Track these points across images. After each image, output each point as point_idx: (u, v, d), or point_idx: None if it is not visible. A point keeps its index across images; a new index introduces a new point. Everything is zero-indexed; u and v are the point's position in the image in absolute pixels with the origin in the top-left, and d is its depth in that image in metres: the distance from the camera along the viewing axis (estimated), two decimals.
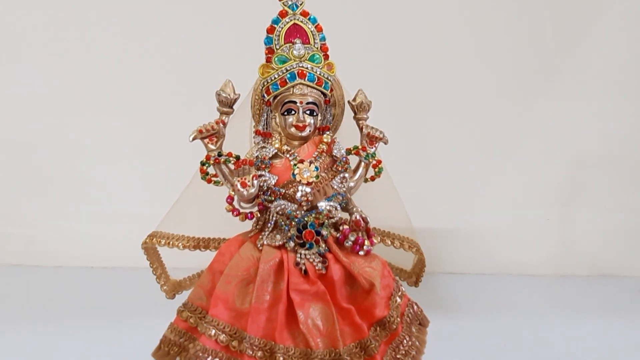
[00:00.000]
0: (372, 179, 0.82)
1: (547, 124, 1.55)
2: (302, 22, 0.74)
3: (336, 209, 0.75)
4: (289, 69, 0.74)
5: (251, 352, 0.66)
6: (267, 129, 0.78)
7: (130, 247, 1.52)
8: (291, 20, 0.74)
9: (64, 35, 1.45)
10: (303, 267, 0.71)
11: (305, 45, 0.74)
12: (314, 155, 0.75)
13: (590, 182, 1.59)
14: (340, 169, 0.76)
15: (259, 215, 0.76)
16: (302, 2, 0.75)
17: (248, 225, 0.79)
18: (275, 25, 0.74)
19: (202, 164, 0.75)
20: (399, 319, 0.73)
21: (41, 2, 1.43)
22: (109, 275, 1.52)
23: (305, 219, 0.73)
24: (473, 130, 1.53)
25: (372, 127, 0.80)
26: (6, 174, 1.53)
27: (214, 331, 0.67)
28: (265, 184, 0.73)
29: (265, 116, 0.78)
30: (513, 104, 1.54)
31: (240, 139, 0.83)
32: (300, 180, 0.73)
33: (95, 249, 1.55)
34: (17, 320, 1.22)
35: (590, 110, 1.55)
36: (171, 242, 0.85)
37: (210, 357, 0.66)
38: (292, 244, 0.72)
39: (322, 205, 0.74)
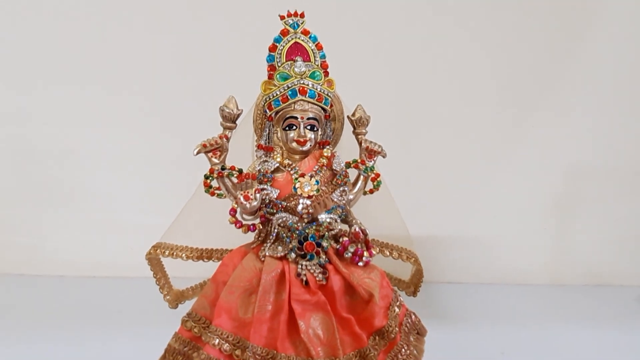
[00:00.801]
0: (371, 191, 0.84)
1: (544, 135, 1.58)
2: (303, 40, 0.77)
3: (336, 221, 0.77)
4: (290, 85, 0.76)
5: None
6: (269, 143, 0.81)
7: (131, 257, 1.53)
8: (292, 39, 0.77)
9: (67, 48, 1.47)
10: (304, 278, 0.73)
11: (306, 63, 0.77)
12: (314, 169, 0.78)
13: (587, 192, 1.62)
14: (340, 182, 0.78)
15: (261, 227, 0.78)
16: (303, 22, 0.78)
17: (250, 237, 0.82)
18: (277, 44, 0.77)
19: (206, 177, 0.77)
20: (397, 329, 0.75)
21: (46, 14, 1.45)
22: (111, 284, 1.52)
23: (306, 231, 0.75)
24: (471, 141, 1.56)
25: (371, 142, 0.82)
26: (9, 184, 1.54)
27: (217, 340, 0.69)
28: (267, 197, 0.75)
29: (267, 131, 0.81)
30: (511, 116, 1.57)
31: (242, 153, 0.86)
32: (301, 194, 0.75)
33: (97, 258, 1.56)
34: (19, 329, 1.23)
35: (586, 122, 1.58)
36: (175, 253, 0.86)
37: None
38: (293, 255, 0.74)
39: (323, 217, 0.76)
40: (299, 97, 0.76)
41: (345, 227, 0.81)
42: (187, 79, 1.47)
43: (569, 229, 1.64)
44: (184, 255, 0.86)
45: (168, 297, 0.94)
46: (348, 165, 0.81)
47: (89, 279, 1.55)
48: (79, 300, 1.42)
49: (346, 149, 0.86)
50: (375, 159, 0.83)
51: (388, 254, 0.89)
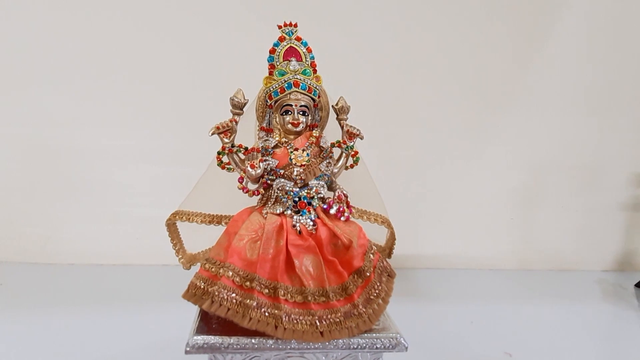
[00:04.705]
0: (352, 166, 1.08)
1: (510, 136, 1.81)
2: (296, 45, 1.02)
3: (323, 186, 1.02)
4: (286, 80, 1.01)
5: (260, 289, 0.91)
6: (269, 126, 1.06)
7: (135, 246, 1.74)
8: (288, 44, 1.02)
9: (76, 53, 1.65)
10: (298, 228, 0.97)
11: (299, 62, 1.02)
12: (305, 145, 1.02)
13: (549, 186, 1.86)
14: (326, 156, 1.03)
15: (263, 192, 1.03)
16: (296, 30, 1.03)
17: (253, 201, 1.05)
18: (276, 47, 1.02)
19: (219, 153, 1.00)
20: (372, 269, 0.98)
21: (62, 19, 1.62)
22: (116, 272, 1.72)
23: (300, 193, 1.00)
24: (445, 140, 1.79)
25: (351, 126, 1.07)
26: (24, 179, 1.72)
27: (231, 273, 0.92)
28: (268, 166, 1.00)
29: (268, 116, 1.06)
30: (480, 118, 1.79)
31: (247, 135, 1.10)
32: (295, 163, 1.00)
33: (104, 248, 1.74)
34: (32, 312, 1.40)
35: (547, 124, 1.81)
36: (191, 218, 1.08)
37: (229, 292, 0.91)
38: (289, 211, 0.99)
39: (313, 183, 1.01)
40: (294, 89, 1.01)
41: (331, 195, 1.05)
42: (193, 80, 1.66)
43: (534, 220, 1.87)
44: (198, 219, 1.09)
45: (182, 260, 1.15)
46: (333, 145, 1.06)
47: (97, 266, 1.75)
48: (87, 286, 1.61)
49: (331, 133, 1.10)
50: (354, 140, 1.08)
51: (366, 218, 1.13)
